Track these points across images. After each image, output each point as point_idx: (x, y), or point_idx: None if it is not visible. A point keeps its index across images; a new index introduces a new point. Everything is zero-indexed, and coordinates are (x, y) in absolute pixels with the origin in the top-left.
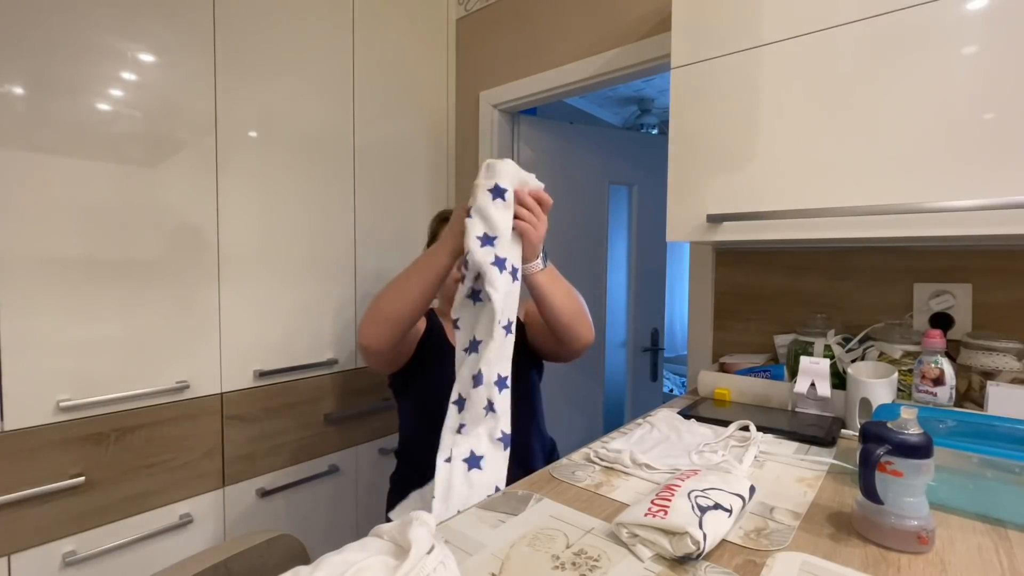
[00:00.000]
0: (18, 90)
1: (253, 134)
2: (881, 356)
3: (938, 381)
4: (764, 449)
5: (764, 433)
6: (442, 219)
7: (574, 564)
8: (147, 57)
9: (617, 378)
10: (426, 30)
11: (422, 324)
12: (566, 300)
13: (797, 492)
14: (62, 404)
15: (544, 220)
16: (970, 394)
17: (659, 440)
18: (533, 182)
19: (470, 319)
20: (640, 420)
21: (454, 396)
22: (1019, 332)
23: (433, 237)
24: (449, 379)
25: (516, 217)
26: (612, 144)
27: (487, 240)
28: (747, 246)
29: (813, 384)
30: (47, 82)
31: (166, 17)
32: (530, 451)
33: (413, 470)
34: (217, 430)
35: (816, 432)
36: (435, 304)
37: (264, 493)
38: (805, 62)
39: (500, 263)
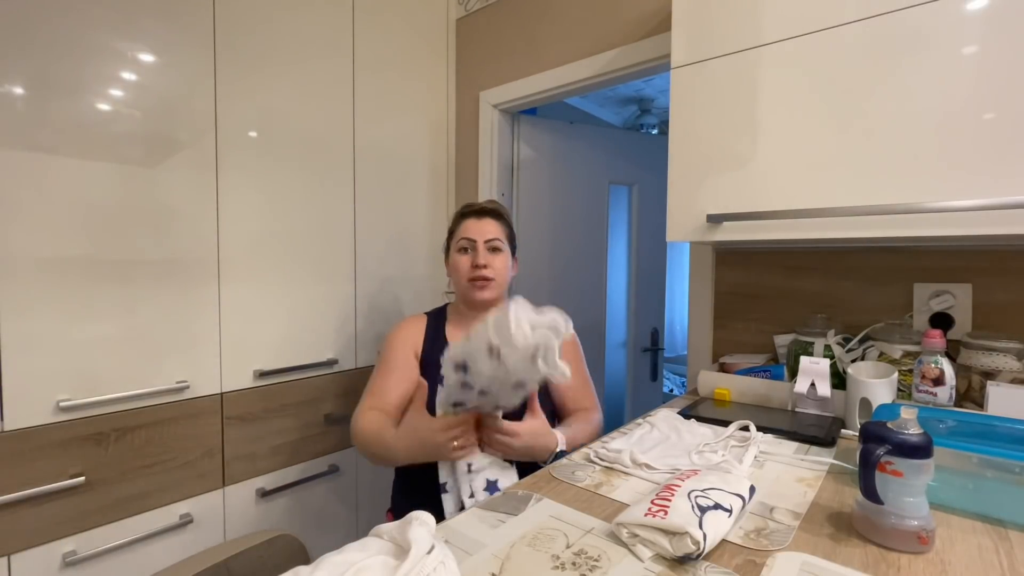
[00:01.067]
0: (18, 90)
1: (253, 134)
2: (881, 356)
3: (938, 381)
4: (764, 449)
5: (764, 433)
6: (462, 214)
7: (574, 564)
8: (147, 57)
9: (617, 378)
10: (426, 30)
11: (418, 338)
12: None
13: (797, 492)
14: (62, 404)
15: (510, 436)
16: (970, 394)
17: (659, 440)
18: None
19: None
20: (640, 420)
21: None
22: (1019, 332)
23: (450, 235)
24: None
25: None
26: (612, 144)
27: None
28: (747, 246)
29: (813, 384)
30: (47, 82)
31: (166, 17)
32: None
33: (414, 465)
34: (217, 430)
35: (816, 432)
36: (450, 299)
37: (264, 493)
38: (805, 62)
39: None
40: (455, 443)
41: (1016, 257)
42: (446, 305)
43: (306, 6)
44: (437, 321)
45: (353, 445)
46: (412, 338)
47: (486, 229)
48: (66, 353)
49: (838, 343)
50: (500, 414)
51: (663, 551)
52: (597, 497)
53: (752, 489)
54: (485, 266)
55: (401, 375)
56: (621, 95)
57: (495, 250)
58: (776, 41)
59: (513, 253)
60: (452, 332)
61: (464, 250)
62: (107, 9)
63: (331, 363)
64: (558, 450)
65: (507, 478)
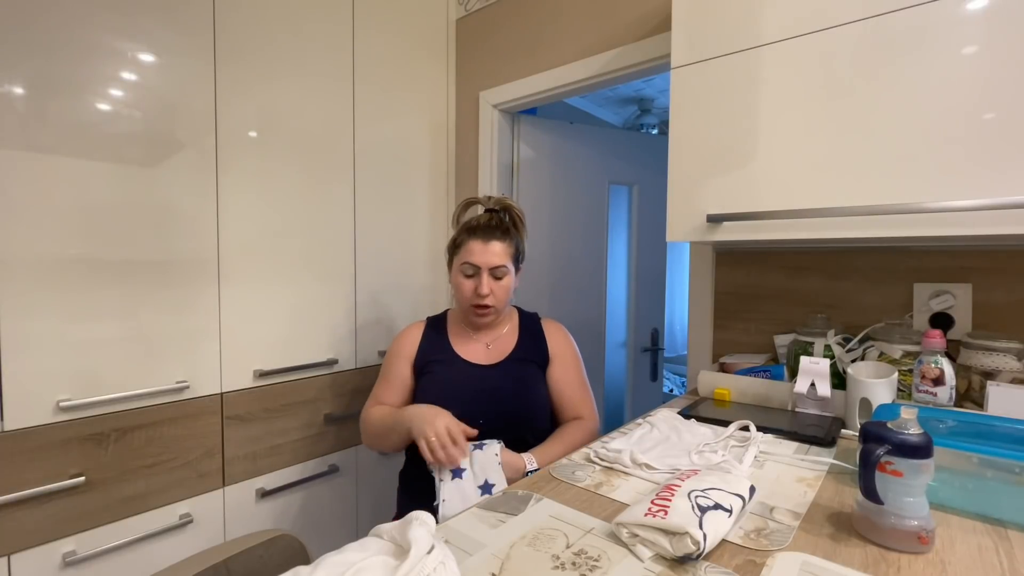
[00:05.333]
0: (18, 90)
1: (253, 134)
2: (881, 356)
3: (938, 381)
4: (764, 449)
5: (764, 433)
6: (469, 229)
7: (574, 564)
8: (147, 57)
9: (617, 378)
10: (426, 30)
11: (412, 348)
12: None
13: (797, 492)
14: (62, 404)
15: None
16: (970, 394)
17: (659, 440)
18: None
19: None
20: (640, 420)
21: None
22: (1019, 332)
23: (455, 246)
24: (449, 380)
25: None
26: (612, 144)
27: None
28: (747, 246)
29: (813, 384)
30: (47, 82)
31: (166, 17)
32: None
33: (417, 466)
34: (217, 430)
35: (816, 432)
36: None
37: (264, 493)
38: (805, 62)
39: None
40: (435, 441)
41: (1016, 257)
42: (447, 311)
43: (306, 6)
44: (437, 327)
45: (361, 441)
46: (406, 348)
47: (492, 254)
48: (66, 353)
49: (838, 343)
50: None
51: (663, 551)
52: (597, 497)
53: (752, 489)
54: (488, 295)
55: (396, 386)
56: (621, 95)
57: (499, 277)
58: (776, 41)
59: (519, 264)
60: (455, 340)
61: (469, 275)
62: (107, 9)
63: (331, 363)
64: (528, 470)
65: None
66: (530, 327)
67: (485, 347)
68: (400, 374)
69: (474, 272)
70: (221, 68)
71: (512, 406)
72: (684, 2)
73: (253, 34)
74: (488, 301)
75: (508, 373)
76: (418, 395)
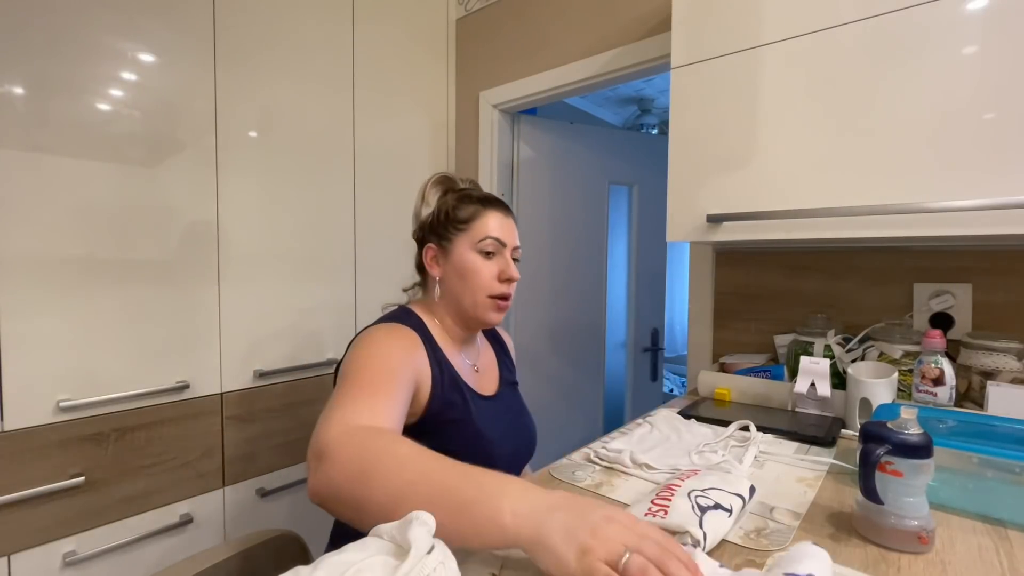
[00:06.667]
0: (18, 90)
1: (253, 134)
2: (881, 356)
3: (938, 381)
4: (764, 449)
5: (764, 433)
6: (481, 201)
7: None
8: (147, 57)
9: (617, 378)
10: (426, 30)
11: (424, 373)
12: None
13: (797, 492)
14: (62, 404)
15: None
16: (970, 394)
17: (659, 440)
18: None
19: None
20: (640, 420)
21: None
22: (1019, 332)
23: (455, 223)
24: (482, 431)
25: None
26: (612, 144)
27: None
28: (747, 246)
29: (813, 384)
30: (47, 82)
31: (166, 17)
32: None
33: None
34: (217, 430)
35: (816, 432)
36: (413, 297)
37: (264, 493)
38: (805, 62)
39: None
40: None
41: (1016, 257)
42: (415, 314)
43: (306, 6)
44: (431, 344)
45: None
46: (417, 360)
47: (514, 231)
48: (66, 353)
49: (838, 343)
50: None
51: None
52: (597, 497)
53: (752, 489)
54: (517, 279)
55: (398, 402)
56: (621, 95)
57: (516, 261)
58: (776, 41)
59: None
60: (453, 359)
61: (489, 254)
62: (107, 9)
63: (331, 363)
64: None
65: None
66: (496, 339)
67: (474, 371)
68: (405, 390)
69: (498, 250)
70: (221, 68)
71: (527, 450)
72: (684, 2)
73: (253, 34)
74: (512, 291)
75: (512, 407)
76: (443, 450)
